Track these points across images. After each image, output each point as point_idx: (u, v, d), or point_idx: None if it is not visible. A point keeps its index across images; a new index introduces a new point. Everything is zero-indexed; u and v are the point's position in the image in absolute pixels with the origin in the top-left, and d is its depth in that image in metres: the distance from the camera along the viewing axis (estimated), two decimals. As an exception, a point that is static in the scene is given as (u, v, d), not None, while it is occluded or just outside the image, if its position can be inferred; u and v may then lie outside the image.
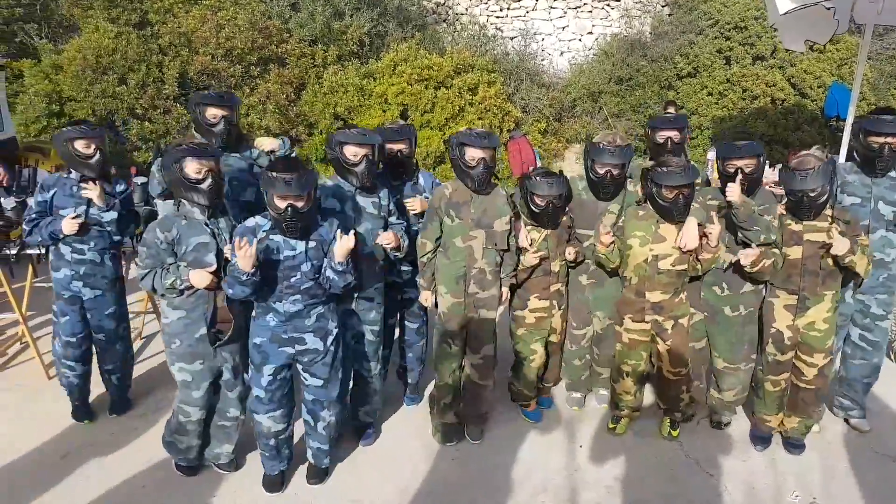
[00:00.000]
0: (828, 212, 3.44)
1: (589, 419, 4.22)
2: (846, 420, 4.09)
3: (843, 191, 3.79)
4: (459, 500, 3.46)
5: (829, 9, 5.76)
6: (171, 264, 3.13)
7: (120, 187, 3.96)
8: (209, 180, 3.11)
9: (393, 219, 3.75)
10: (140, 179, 7.22)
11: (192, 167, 3.09)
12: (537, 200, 3.62)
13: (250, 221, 3.12)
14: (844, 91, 10.11)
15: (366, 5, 11.24)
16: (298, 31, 10.64)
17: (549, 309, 3.89)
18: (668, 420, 3.97)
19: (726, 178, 3.60)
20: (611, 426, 4.05)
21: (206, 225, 3.17)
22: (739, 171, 3.52)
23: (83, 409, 4.08)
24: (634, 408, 3.99)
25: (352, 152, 3.46)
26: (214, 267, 3.13)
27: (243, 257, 2.85)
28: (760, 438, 3.89)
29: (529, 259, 3.73)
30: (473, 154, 3.51)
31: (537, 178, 3.62)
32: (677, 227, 3.52)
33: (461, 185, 3.62)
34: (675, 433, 3.93)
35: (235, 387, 3.42)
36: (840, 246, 3.27)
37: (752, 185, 3.58)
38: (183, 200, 3.16)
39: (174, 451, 3.49)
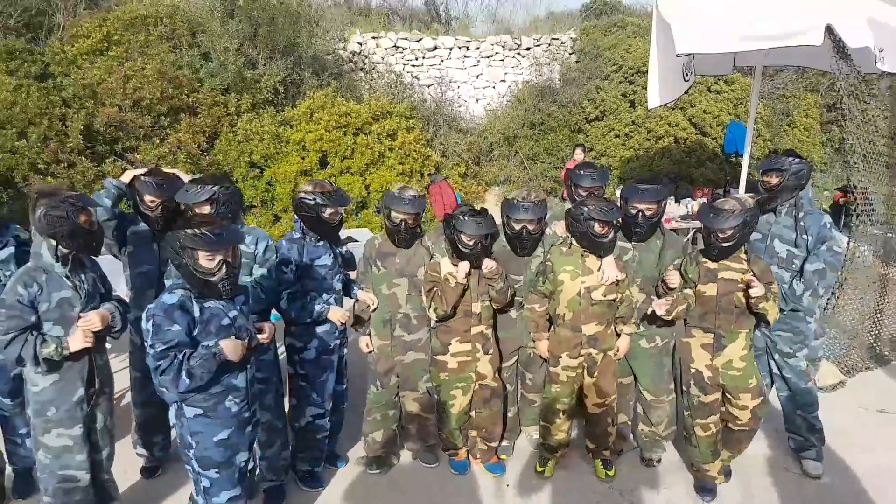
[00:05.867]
0: (743, 255, 3.50)
1: (516, 457, 4.19)
2: (800, 462, 4.04)
3: None
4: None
5: (687, 80, 6.35)
6: (43, 333, 2.90)
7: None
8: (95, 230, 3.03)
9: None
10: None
11: (83, 217, 2.96)
12: (465, 240, 3.56)
13: (170, 298, 2.69)
14: (741, 128, 10.79)
15: (280, 54, 11.22)
16: (210, 81, 10.49)
17: (472, 352, 3.77)
18: (599, 461, 3.96)
19: (628, 218, 3.73)
20: (539, 469, 4.00)
21: (67, 278, 3.00)
22: (640, 213, 3.67)
23: None
24: (566, 444, 3.98)
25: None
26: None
27: (233, 349, 2.72)
28: (705, 489, 3.78)
29: (461, 271, 3.58)
30: (397, 216, 3.69)
31: (465, 217, 3.57)
32: (599, 260, 3.60)
33: (387, 237, 3.80)
34: (611, 473, 3.92)
35: (107, 447, 3.26)
36: (758, 290, 3.30)
37: (651, 227, 3.75)
38: (41, 251, 2.95)
39: None
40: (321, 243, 3.65)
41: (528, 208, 3.74)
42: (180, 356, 2.62)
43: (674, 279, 3.61)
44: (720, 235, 3.40)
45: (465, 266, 3.57)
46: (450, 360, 3.78)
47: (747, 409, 3.55)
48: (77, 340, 2.94)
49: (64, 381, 3.02)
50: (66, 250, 2.96)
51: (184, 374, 2.61)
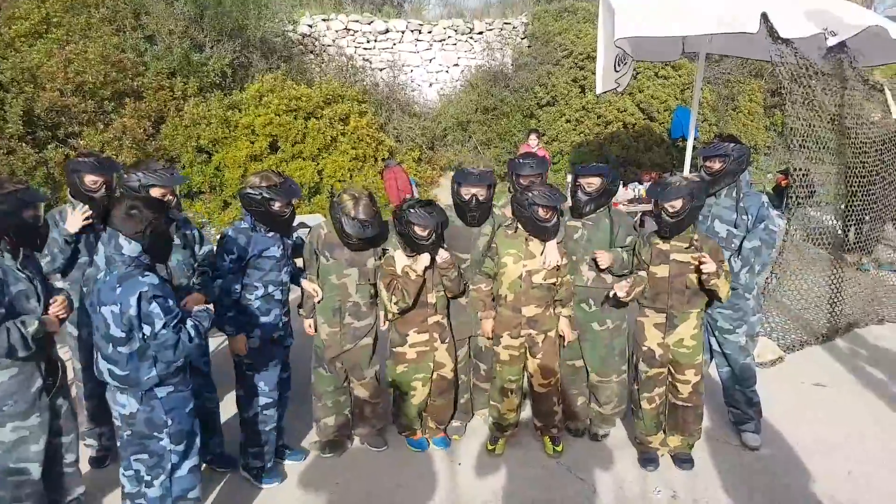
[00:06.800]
0: (694, 235, 3.60)
1: (467, 437, 4.28)
2: (740, 434, 4.19)
3: None
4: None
5: (618, 70, 6.55)
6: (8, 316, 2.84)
7: None
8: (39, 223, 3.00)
9: None
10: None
11: (28, 213, 2.92)
12: (418, 231, 3.60)
13: (152, 278, 2.78)
14: (688, 113, 11.01)
15: (227, 37, 10.97)
16: (155, 64, 10.19)
17: (429, 342, 3.86)
18: (548, 438, 4.08)
19: (572, 193, 3.91)
20: (489, 448, 4.10)
21: (20, 270, 2.94)
22: (580, 187, 3.86)
23: None
24: (515, 423, 4.09)
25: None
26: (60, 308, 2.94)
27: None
28: (648, 460, 3.94)
29: (420, 264, 3.64)
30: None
31: (415, 209, 3.60)
32: (542, 244, 3.71)
33: (332, 228, 3.75)
34: (559, 448, 4.04)
35: (71, 431, 3.24)
36: (710, 266, 3.43)
37: (593, 202, 3.88)
38: None
39: None
40: (271, 234, 3.58)
41: (478, 176, 3.84)
42: (185, 325, 2.84)
43: (603, 259, 3.76)
44: (670, 210, 3.52)
45: (424, 259, 3.62)
46: (408, 351, 3.86)
47: (689, 383, 3.73)
48: (52, 319, 2.93)
49: (23, 374, 2.97)
50: (9, 245, 2.90)
51: (196, 336, 2.87)
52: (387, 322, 4.02)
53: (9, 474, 3.03)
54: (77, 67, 9.29)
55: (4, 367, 2.93)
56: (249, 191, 3.46)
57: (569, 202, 4.00)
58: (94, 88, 9.45)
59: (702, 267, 3.45)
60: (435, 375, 3.94)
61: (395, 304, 3.67)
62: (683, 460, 3.92)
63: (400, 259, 3.71)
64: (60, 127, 9.50)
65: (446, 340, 3.93)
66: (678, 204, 3.50)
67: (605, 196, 3.90)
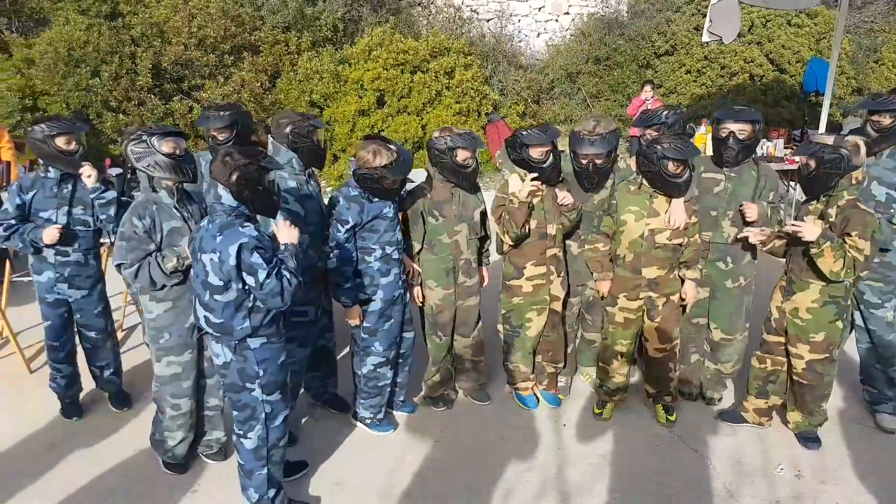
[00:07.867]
0: (841, 202, 3.23)
1: (573, 399, 4.21)
2: (874, 415, 3.90)
3: None
4: (444, 479, 3.46)
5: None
6: (157, 251, 3.05)
7: (115, 171, 3.85)
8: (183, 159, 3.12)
9: None
10: (115, 171, 7.03)
11: (168, 146, 3.06)
12: (534, 154, 3.51)
13: (251, 230, 2.74)
14: (823, 65, 10.08)
15: (338, -10, 11.08)
16: (271, 18, 10.47)
17: (546, 275, 3.74)
18: (660, 406, 3.92)
19: (718, 141, 3.60)
20: (597, 411, 4.00)
21: (176, 209, 3.12)
22: (731, 134, 3.52)
23: (73, 408, 4.02)
24: (624, 388, 3.95)
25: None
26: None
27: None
28: (729, 413, 3.91)
29: (525, 190, 3.47)
30: (465, 154, 3.57)
31: (528, 131, 3.54)
32: (668, 202, 3.49)
33: (438, 185, 3.67)
34: (672, 418, 3.89)
35: (213, 375, 3.37)
36: (807, 231, 3.13)
37: (744, 151, 3.57)
38: (147, 184, 3.10)
39: (162, 449, 3.44)
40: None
41: (595, 142, 3.59)
42: (282, 269, 2.76)
43: (751, 212, 3.51)
44: (804, 170, 3.28)
45: (527, 186, 3.45)
46: (524, 284, 3.75)
47: (802, 359, 3.46)
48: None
49: (176, 309, 3.18)
50: (167, 181, 3.08)
51: (293, 277, 2.76)
52: (485, 278, 4.00)
53: (169, 406, 3.31)
54: (199, 22, 9.70)
55: (160, 299, 3.15)
56: (366, 171, 3.40)
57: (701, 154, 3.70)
58: (215, 42, 9.84)
59: (801, 235, 3.14)
60: (549, 308, 3.83)
61: (505, 233, 3.58)
62: (809, 439, 3.67)
63: (514, 182, 3.57)
64: (184, 80, 10.01)
65: (561, 274, 3.82)
66: (812, 163, 3.22)
67: (754, 145, 3.61)
